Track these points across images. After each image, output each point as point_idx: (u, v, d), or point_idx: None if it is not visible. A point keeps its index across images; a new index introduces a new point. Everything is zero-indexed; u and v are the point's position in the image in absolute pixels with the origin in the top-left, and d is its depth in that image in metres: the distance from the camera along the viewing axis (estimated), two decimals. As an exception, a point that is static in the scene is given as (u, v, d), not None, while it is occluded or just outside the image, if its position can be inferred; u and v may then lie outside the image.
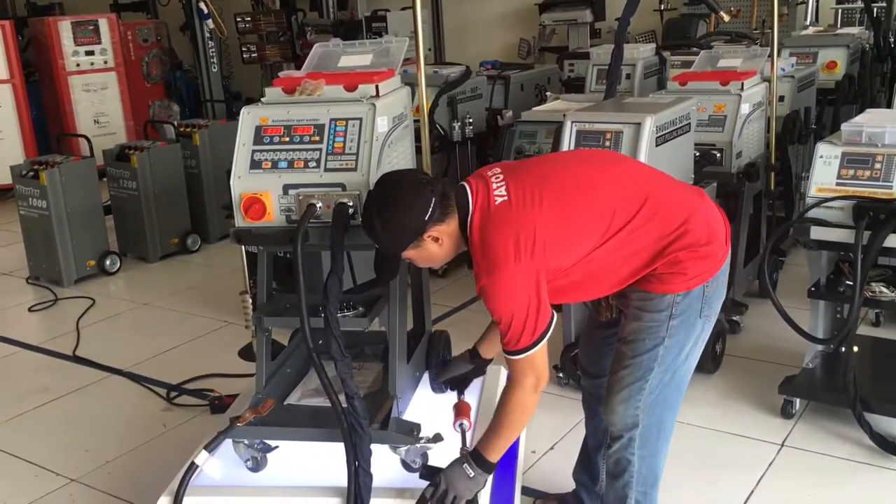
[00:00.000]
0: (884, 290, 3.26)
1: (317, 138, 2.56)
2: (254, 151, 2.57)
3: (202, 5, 7.80)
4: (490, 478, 2.33)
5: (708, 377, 3.68)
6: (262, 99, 2.69)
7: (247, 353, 3.60)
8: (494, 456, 2.24)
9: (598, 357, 2.59)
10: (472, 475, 2.22)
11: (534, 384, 2.18)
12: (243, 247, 3.38)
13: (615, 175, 2.27)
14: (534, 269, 2.10)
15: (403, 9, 8.71)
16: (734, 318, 4.09)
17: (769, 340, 3.97)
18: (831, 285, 3.31)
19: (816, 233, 3.04)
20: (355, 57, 3.03)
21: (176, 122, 6.57)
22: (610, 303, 2.33)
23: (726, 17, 4.26)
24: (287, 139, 2.57)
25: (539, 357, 2.16)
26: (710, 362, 3.69)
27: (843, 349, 3.08)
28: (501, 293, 2.11)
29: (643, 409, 2.27)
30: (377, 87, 2.65)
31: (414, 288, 3.19)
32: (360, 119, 2.55)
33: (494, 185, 2.18)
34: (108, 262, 5.67)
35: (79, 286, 5.51)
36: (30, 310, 5.23)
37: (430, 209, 2.14)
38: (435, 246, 2.20)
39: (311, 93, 2.66)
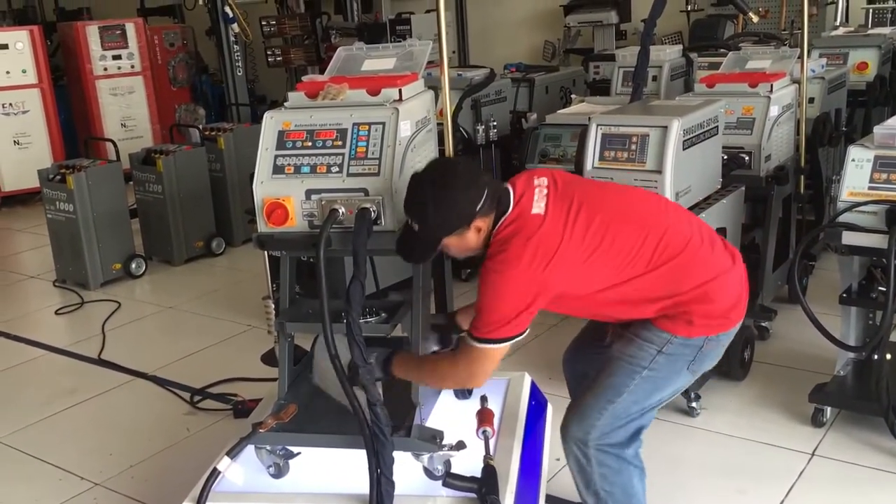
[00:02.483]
0: (917, 296, 3.18)
1: (339, 143, 2.54)
2: (276, 156, 2.55)
3: (227, 9, 7.83)
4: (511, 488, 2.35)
5: (736, 384, 3.62)
6: (286, 103, 2.68)
7: (269, 359, 3.59)
8: (397, 369, 2.35)
9: (582, 363, 2.68)
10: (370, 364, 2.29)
11: (466, 378, 2.29)
12: (266, 252, 3.37)
13: (653, 222, 2.25)
14: (539, 281, 2.13)
15: (428, 11, 8.71)
16: (763, 324, 4.03)
17: (799, 347, 3.90)
18: (863, 291, 3.24)
19: (848, 238, 2.98)
20: (379, 61, 3.02)
21: (201, 126, 6.60)
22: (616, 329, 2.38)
23: (755, 18, 4.20)
24: (310, 144, 2.56)
25: (492, 359, 2.19)
26: (738, 369, 3.63)
27: (876, 357, 3.01)
28: (500, 287, 2.13)
29: (597, 430, 2.30)
30: (400, 91, 2.62)
31: (437, 293, 3.17)
32: (384, 123, 2.53)
33: (536, 197, 2.21)
34: (133, 266, 5.70)
35: (105, 289, 5.55)
36: (56, 313, 5.27)
37: (482, 201, 2.15)
38: (475, 236, 2.21)
39: (335, 97, 2.64)
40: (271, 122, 2.60)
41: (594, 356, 2.53)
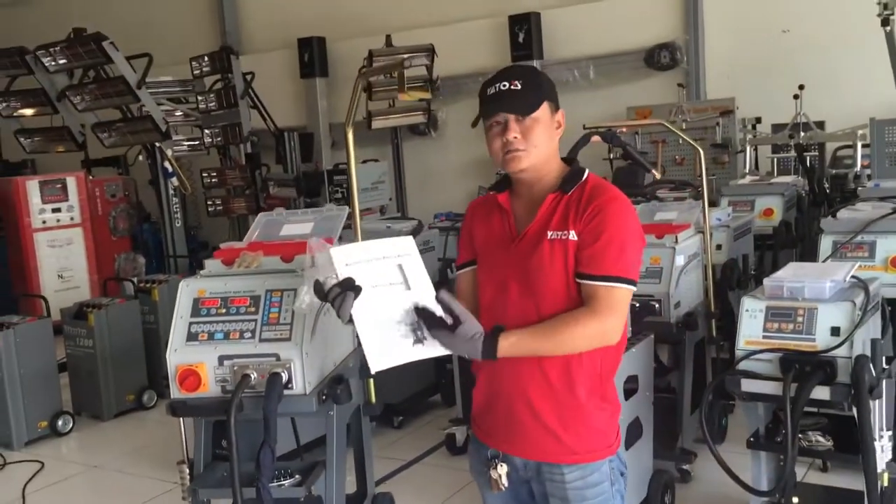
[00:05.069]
0: (820, 439, 3.31)
1: (253, 309, 2.65)
2: (191, 324, 2.64)
3: (167, 164, 8.06)
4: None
5: (658, 531, 3.66)
6: (201, 271, 2.79)
7: (186, 524, 3.52)
8: (508, 346, 1.98)
9: None
10: (472, 339, 1.94)
11: (613, 331, 2.06)
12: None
13: None
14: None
15: (364, 161, 9.05)
16: (684, 466, 4.10)
17: (719, 489, 3.95)
18: (770, 434, 3.35)
19: (748, 385, 3.11)
20: (297, 225, 3.18)
21: (136, 279, 6.65)
22: (499, 472, 2.19)
23: (658, 175, 4.51)
24: (224, 310, 2.66)
25: (624, 305, 2.07)
26: (659, 515, 3.67)
27: (783, 501, 3.09)
28: (625, 216, 2.11)
29: None
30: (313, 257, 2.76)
31: (356, 448, 3.20)
32: (296, 290, 2.63)
33: None
34: (60, 423, 5.58)
35: (29, 449, 5.40)
36: (-24, 476, 5.11)
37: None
38: (554, 136, 2.17)
39: (249, 265, 2.76)
40: (187, 290, 2.70)
41: None
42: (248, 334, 2.60)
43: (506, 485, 2.19)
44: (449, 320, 1.93)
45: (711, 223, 4.73)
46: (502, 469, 2.18)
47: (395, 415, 5.22)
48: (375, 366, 1.94)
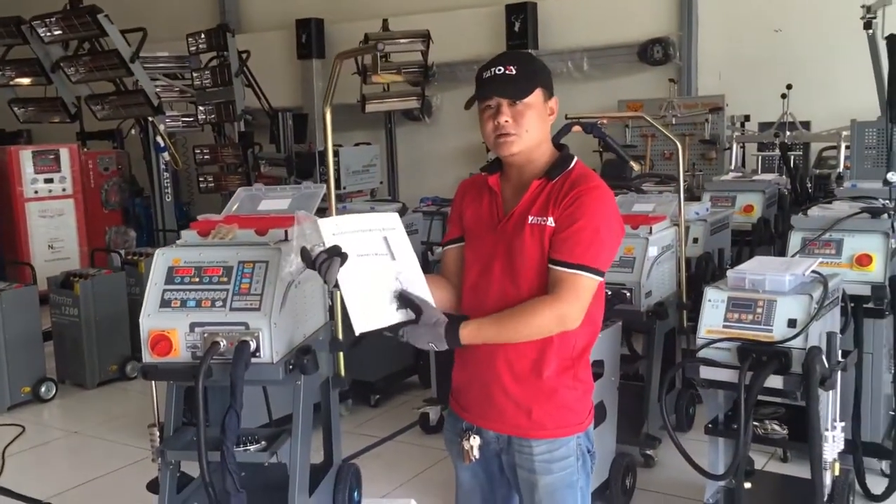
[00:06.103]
0: (776, 427, 3.41)
1: (225, 279, 2.72)
2: (164, 291, 2.73)
3: (159, 139, 8.12)
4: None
5: (617, 512, 3.76)
6: (177, 241, 2.87)
7: (155, 486, 3.61)
8: (469, 333, 2.08)
9: None
10: (434, 325, 2.03)
11: (576, 316, 2.12)
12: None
13: None
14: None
15: (357, 144, 9.11)
16: (648, 451, 4.20)
17: (680, 475, 4.05)
18: (729, 422, 3.45)
19: (706, 372, 3.20)
20: (275, 201, 3.26)
21: (123, 252, 6.72)
22: (471, 443, 2.28)
23: (636, 167, 4.59)
24: (197, 279, 2.74)
25: (587, 293, 2.13)
26: (620, 496, 3.77)
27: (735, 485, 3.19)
28: (602, 205, 2.17)
29: None
30: (286, 231, 2.84)
31: (324, 420, 3.29)
32: (267, 262, 2.72)
33: None
34: (43, 389, 5.67)
35: (11, 413, 5.49)
36: (-42, 437, 5.20)
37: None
38: (547, 122, 2.24)
39: (224, 236, 2.84)
40: (162, 259, 2.78)
41: None
42: (219, 303, 2.67)
43: (476, 456, 2.28)
44: (411, 315, 2.01)
45: (689, 217, 4.83)
46: (474, 441, 2.27)
47: (372, 393, 5.32)
48: (360, 327, 1.99)
